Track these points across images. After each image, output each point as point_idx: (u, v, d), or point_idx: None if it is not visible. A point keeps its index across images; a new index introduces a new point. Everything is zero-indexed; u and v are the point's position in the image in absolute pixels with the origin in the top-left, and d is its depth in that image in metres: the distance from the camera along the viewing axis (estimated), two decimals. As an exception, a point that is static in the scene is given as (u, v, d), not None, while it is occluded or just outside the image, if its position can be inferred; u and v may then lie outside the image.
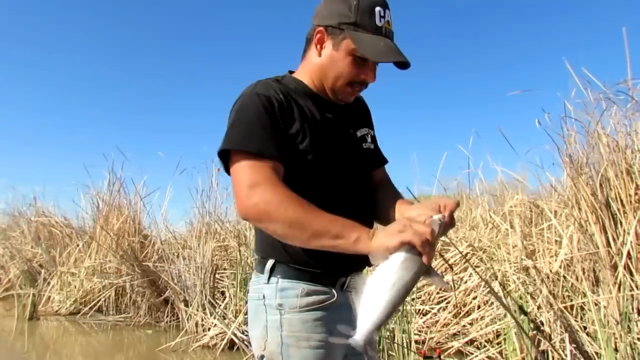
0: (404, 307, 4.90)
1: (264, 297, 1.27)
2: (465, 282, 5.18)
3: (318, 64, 1.28)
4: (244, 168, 1.13)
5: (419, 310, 5.08)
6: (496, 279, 4.74)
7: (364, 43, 1.17)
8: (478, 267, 5.22)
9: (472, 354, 4.55)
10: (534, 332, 4.21)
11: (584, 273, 4.34)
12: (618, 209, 4.04)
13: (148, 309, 6.55)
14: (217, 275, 6.13)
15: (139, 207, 7.86)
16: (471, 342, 4.74)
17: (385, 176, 1.54)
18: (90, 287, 7.20)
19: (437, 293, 5.35)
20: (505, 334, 4.46)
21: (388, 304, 0.96)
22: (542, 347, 4.22)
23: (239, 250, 6.24)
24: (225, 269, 6.47)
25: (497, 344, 4.57)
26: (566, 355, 3.71)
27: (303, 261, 1.24)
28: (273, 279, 1.27)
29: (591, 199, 4.15)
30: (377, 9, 1.19)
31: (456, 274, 5.36)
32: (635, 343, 3.59)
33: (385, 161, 1.54)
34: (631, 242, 3.82)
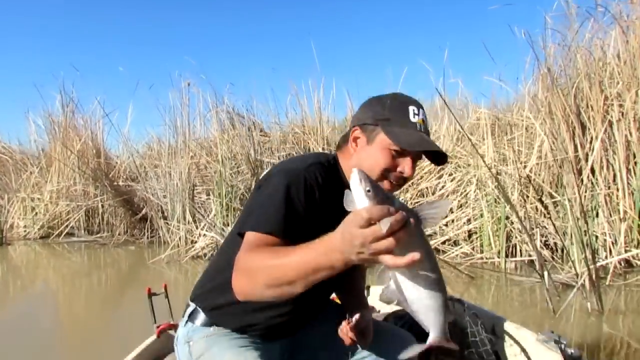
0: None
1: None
2: (441, 189, 5.55)
3: (353, 156, 1.26)
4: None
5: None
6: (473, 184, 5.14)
7: (397, 134, 1.18)
8: (452, 174, 5.59)
9: (447, 251, 5.03)
10: (506, 228, 4.70)
11: (551, 177, 4.82)
12: (588, 117, 4.43)
13: (127, 227, 6.52)
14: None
15: (98, 128, 7.48)
16: (447, 241, 5.20)
17: None
18: (58, 210, 6.99)
19: (413, 199, 5.73)
20: (480, 233, 4.95)
21: (436, 282, 0.85)
22: (513, 242, 4.75)
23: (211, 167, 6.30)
24: (197, 186, 6.49)
25: (471, 242, 5.07)
26: (534, 248, 4.21)
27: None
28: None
29: (565, 108, 4.50)
30: (411, 107, 1.21)
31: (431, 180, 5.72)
32: (597, 236, 4.15)
33: None
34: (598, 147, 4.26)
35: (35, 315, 3.94)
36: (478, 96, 8.63)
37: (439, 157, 1.25)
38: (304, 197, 1.13)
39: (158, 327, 1.62)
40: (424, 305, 0.84)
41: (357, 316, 1.27)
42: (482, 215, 4.91)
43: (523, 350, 1.65)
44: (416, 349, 0.95)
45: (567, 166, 4.47)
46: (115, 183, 6.76)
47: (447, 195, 5.45)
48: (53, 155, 7.27)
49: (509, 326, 1.74)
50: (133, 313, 1.66)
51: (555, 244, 4.54)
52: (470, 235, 5.16)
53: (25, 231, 7.02)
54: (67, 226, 6.87)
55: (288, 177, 1.15)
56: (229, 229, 5.33)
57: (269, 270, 0.94)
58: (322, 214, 1.14)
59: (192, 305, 1.32)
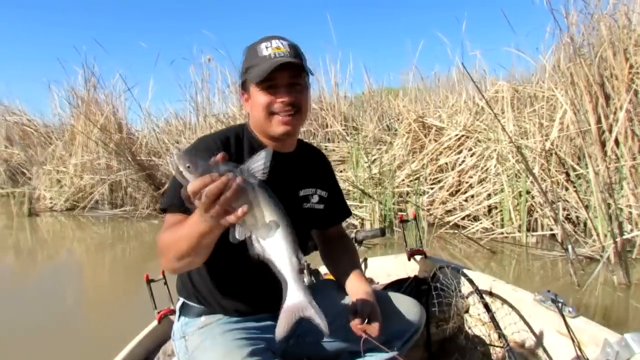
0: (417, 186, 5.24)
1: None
2: (461, 164, 5.50)
3: (250, 115, 1.32)
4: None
5: (418, 190, 5.42)
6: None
7: (253, 74, 1.23)
8: (472, 149, 5.53)
9: (468, 227, 5.02)
10: (527, 203, 4.67)
11: (573, 149, 4.74)
12: (612, 87, 4.32)
13: (150, 202, 6.65)
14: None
15: (120, 102, 7.58)
16: (467, 216, 5.18)
17: (338, 232, 1.59)
18: (82, 184, 7.16)
19: (432, 174, 5.70)
20: (500, 207, 4.92)
21: (287, 244, 0.89)
22: (534, 216, 4.71)
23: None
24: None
25: (491, 217, 5.05)
26: (557, 221, 4.17)
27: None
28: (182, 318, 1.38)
29: (588, 78, 4.38)
30: (262, 44, 1.24)
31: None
32: (621, 209, 4.08)
33: (338, 220, 1.57)
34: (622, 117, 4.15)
35: (59, 283, 4.10)
36: (496, 68, 8.48)
37: (297, 69, 1.24)
38: None
39: (159, 312, 1.65)
40: (275, 257, 0.90)
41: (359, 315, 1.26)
42: (502, 190, 4.87)
43: (517, 312, 1.67)
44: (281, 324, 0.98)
45: (590, 138, 4.39)
46: (138, 157, 6.86)
47: (467, 171, 5.41)
48: (77, 129, 7.41)
49: (506, 288, 1.76)
50: (154, 285, 1.69)
51: (577, 217, 4.48)
52: (490, 210, 5.13)
53: (51, 203, 7.22)
54: (91, 199, 7.03)
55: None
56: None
57: (171, 245, 1.04)
58: None
59: (180, 300, 1.39)
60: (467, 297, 1.75)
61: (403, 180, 5.66)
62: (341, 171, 6.33)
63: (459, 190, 5.42)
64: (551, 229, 4.59)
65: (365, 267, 2.09)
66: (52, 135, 8.30)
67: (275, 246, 0.88)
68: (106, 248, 5.41)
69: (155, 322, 1.64)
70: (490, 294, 1.77)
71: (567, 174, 4.60)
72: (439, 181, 5.58)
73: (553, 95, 5.06)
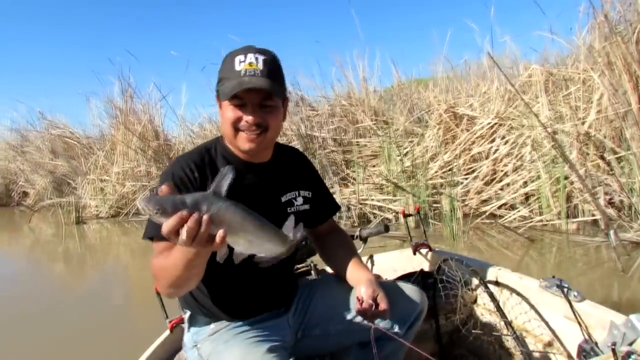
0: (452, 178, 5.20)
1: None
2: (494, 153, 5.41)
3: (221, 127, 1.31)
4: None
5: (451, 181, 5.36)
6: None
7: (223, 89, 1.20)
8: (505, 137, 5.43)
9: (504, 215, 4.94)
10: (566, 189, 4.54)
11: (612, 131, 4.58)
12: (653, 65, 4.15)
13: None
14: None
15: (156, 111, 7.85)
16: (503, 205, 5.10)
17: (330, 227, 1.58)
18: (124, 191, 7.46)
19: (466, 164, 5.62)
20: (538, 195, 4.81)
21: (264, 230, 0.91)
22: (574, 202, 4.59)
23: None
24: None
25: (528, 204, 4.94)
26: (598, 206, 4.04)
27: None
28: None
29: (626, 57, 4.23)
30: (237, 57, 1.21)
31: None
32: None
33: (326, 217, 1.56)
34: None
35: (108, 287, 4.30)
36: (528, 52, 8.23)
37: (271, 90, 1.20)
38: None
39: (170, 322, 1.66)
40: (259, 245, 0.91)
41: (362, 290, 1.28)
42: (539, 177, 4.77)
43: (524, 300, 1.66)
44: (269, 261, 0.96)
45: (630, 119, 4.23)
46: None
47: (501, 159, 5.31)
48: (116, 139, 7.72)
49: (511, 276, 1.74)
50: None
51: (621, 201, 4.34)
52: (527, 198, 5.03)
53: (97, 210, 7.55)
54: (134, 205, 7.30)
55: (160, 179, 1.26)
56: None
57: (163, 273, 1.08)
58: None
59: (187, 312, 1.40)
60: (473, 288, 1.75)
61: (436, 171, 5.62)
62: (374, 166, 6.34)
63: (493, 179, 5.33)
64: (593, 215, 4.46)
65: (372, 263, 2.09)
66: (94, 146, 8.67)
67: (260, 243, 0.91)
68: (150, 252, 5.59)
69: (167, 332, 1.66)
70: (497, 283, 1.76)
71: (603, 157, 4.45)
72: (473, 171, 5.51)
73: (590, 77, 4.90)
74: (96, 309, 3.61)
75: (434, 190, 5.47)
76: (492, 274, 1.78)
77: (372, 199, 5.62)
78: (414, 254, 2.12)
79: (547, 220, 4.66)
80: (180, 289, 1.13)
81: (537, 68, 5.61)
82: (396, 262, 2.20)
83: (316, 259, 1.71)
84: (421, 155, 5.84)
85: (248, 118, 1.20)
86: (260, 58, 1.21)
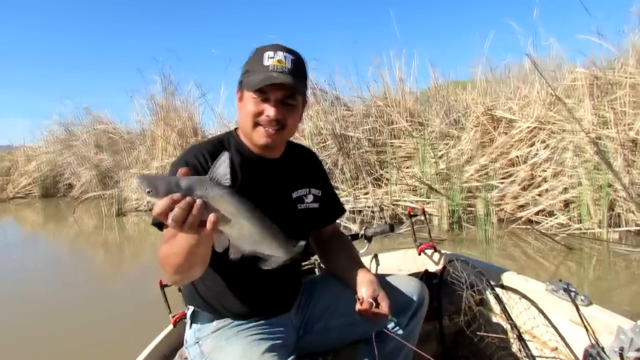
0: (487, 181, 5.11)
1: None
2: (533, 157, 5.27)
3: (239, 119, 1.31)
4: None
5: (487, 185, 5.26)
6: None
7: (248, 81, 1.22)
8: (546, 141, 5.28)
9: (541, 222, 4.80)
10: (609, 197, 4.38)
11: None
12: None
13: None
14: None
15: (195, 108, 8.06)
16: (541, 211, 4.96)
17: (334, 230, 1.58)
18: (163, 185, 7.67)
19: (502, 168, 5.51)
20: (578, 202, 4.66)
21: (260, 225, 0.88)
22: (616, 210, 4.42)
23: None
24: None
25: (567, 211, 4.79)
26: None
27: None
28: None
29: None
30: (267, 53, 1.22)
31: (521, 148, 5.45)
32: None
33: (333, 218, 1.56)
34: None
35: (144, 276, 4.45)
36: (574, 54, 7.97)
37: (283, 85, 1.21)
38: None
39: (173, 316, 1.67)
40: (255, 244, 0.89)
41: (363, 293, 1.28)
42: (580, 184, 4.61)
43: (529, 303, 1.62)
44: (271, 264, 0.94)
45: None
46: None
47: (540, 164, 5.17)
48: (157, 134, 7.97)
49: (517, 279, 1.71)
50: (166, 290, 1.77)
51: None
52: (566, 205, 4.88)
53: (137, 203, 7.81)
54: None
55: (171, 168, 1.25)
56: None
57: (167, 260, 1.06)
58: None
59: (190, 308, 1.40)
60: (478, 289, 1.71)
61: (472, 175, 5.53)
62: (407, 167, 6.30)
63: (531, 184, 5.20)
64: (637, 224, 4.29)
65: (377, 263, 2.07)
66: (136, 141, 8.98)
67: (254, 238, 0.88)
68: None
69: (170, 326, 1.66)
70: (502, 285, 1.73)
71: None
72: (510, 175, 5.39)
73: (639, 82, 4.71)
74: (127, 297, 3.75)
75: (469, 194, 5.39)
76: (498, 276, 1.77)
77: (405, 200, 5.59)
78: (419, 254, 2.11)
79: (586, 229, 4.51)
80: (184, 277, 1.12)
81: (581, 71, 5.43)
82: (401, 262, 2.19)
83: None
84: (456, 158, 5.76)
85: (269, 113, 1.22)
86: (289, 57, 1.23)
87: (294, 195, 1.40)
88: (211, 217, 0.81)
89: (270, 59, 1.21)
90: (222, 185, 0.84)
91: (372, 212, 5.50)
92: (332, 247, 1.53)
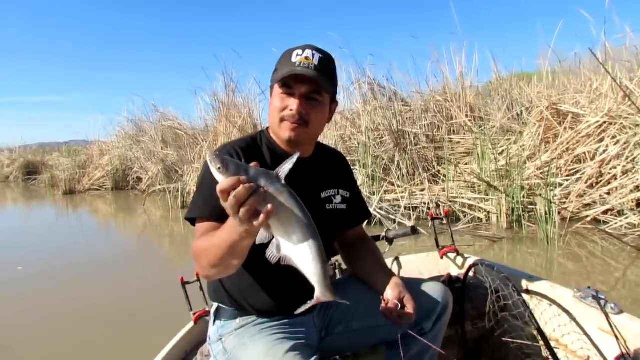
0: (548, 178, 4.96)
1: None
2: (602, 154, 5.02)
3: (269, 117, 1.33)
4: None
5: (549, 182, 5.08)
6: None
7: (277, 74, 1.25)
8: (616, 136, 5.01)
9: (610, 222, 4.58)
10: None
11: None
12: None
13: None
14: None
15: (255, 105, 8.33)
16: (609, 210, 4.74)
17: (360, 233, 1.57)
18: (224, 179, 8.01)
19: (567, 165, 5.29)
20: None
21: (311, 244, 0.90)
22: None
23: (355, 138, 6.60)
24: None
25: (639, 211, 4.54)
26: None
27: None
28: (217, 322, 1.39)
29: None
30: (296, 51, 1.25)
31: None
32: None
33: (360, 220, 1.55)
34: None
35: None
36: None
37: (315, 84, 1.24)
38: None
39: (194, 314, 1.68)
40: (299, 258, 0.90)
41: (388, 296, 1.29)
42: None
43: (557, 309, 1.56)
44: (307, 305, 0.98)
45: None
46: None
47: (610, 160, 4.92)
48: (219, 130, 8.30)
49: (544, 285, 1.64)
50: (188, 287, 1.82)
51: None
52: (638, 205, 4.62)
53: (200, 197, 8.21)
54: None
55: (203, 167, 1.29)
56: (374, 197, 5.57)
57: (205, 253, 1.09)
58: None
59: (214, 305, 1.41)
60: (503, 295, 1.66)
61: (533, 171, 5.35)
62: (466, 164, 6.19)
63: (599, 182, 4.96)
64: None
65: (399, 266, 2.06)
66: (199, 137, 9.39)
67: (301, 253, 0.90)
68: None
69: (191, 323, 1.67)
70: (527, 291, 1.69)
71: None
72: (576, 172, 5.17)
73: None
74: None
75: (530, 191, 5.22)
76: (524, 281, 1.73)
77: (463, 197, 5.50)
78: (442, 257, 2.09)
79: (660, 230, 4.26)
80: (220, 272, 1.13)
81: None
82: (422, 265, 2.16)
83: (341, 258, 1.73)
84: (518, 154, 5.59)
85: (292, 106, 1.24)
86: (317, 55, 1.26)
87: (323, 195, 1.42)
88: (268, 207, 0.83)
89: (298, 56, 1.25)
90: (285, 184, 0.87)
91: (428, 208, 5.46)
92: (358, 249, 1.54)
